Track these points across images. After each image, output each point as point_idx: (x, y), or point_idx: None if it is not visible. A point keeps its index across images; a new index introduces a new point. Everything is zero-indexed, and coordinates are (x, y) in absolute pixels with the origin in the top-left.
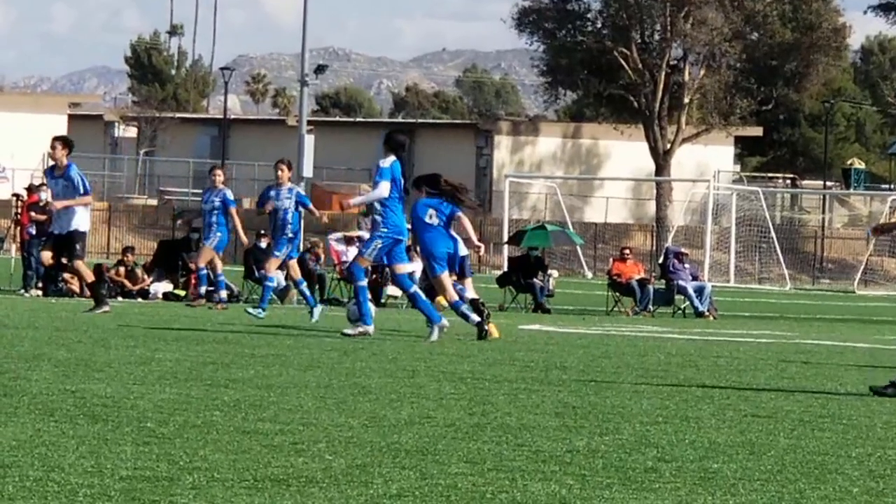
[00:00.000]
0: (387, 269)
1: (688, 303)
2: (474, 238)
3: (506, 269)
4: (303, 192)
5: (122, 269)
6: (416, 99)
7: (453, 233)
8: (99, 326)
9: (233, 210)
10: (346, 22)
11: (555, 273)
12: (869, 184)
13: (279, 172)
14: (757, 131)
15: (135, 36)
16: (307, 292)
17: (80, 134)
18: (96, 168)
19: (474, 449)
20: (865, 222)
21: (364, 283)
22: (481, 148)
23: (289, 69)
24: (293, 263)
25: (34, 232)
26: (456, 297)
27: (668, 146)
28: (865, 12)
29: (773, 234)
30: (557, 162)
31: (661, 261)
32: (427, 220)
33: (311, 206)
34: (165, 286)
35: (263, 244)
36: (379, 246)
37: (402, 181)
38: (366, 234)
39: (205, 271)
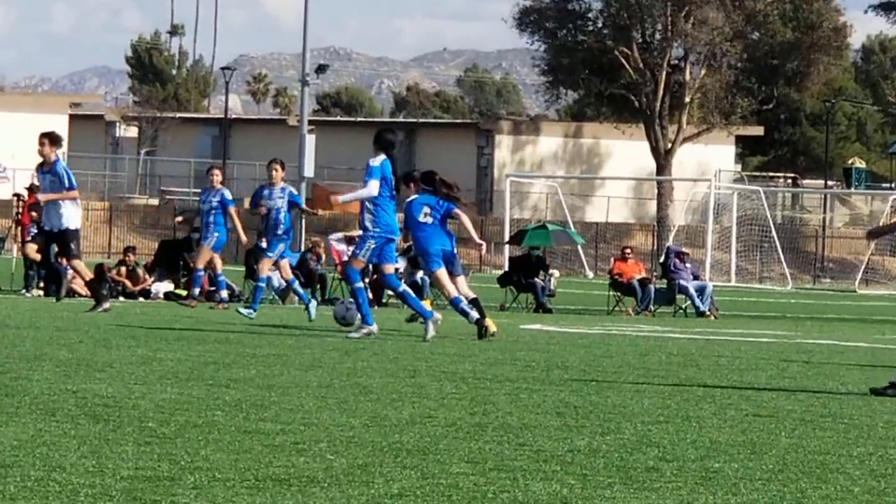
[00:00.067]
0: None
1: (689, 302)
2: (475, 237)
3: (507, 268)
4: (296, 192)
5: (123, 269)
6: (417, 98)
7: (450, 229)
8: (100, 326)
9: (232, 210)
10: (347, 22)
11: (556, 273)
12: (870, 183)
13: (273, 172)
14: (758, 131)
15: (135, 36)
16: (300, 290)
17: (81, 134)
18: (97, 168)
19: (476, 448)
20: (866, 222)
21: (360, 284)
22: (482, 147)
23: (290, 69)
24: (284, 264)
25: (35, 232)
26: (455, 294)
27: (669, 146)
28: (866, 11)
29: (774, 233)
30: (558, 161)
31: (662, 260)
32: (421, 218)
33: (304, 205)
34: (167, 286)
35: (265, 244)
36: (372, 246)
37: (393, 180)
38: None
39: (201, 273)
